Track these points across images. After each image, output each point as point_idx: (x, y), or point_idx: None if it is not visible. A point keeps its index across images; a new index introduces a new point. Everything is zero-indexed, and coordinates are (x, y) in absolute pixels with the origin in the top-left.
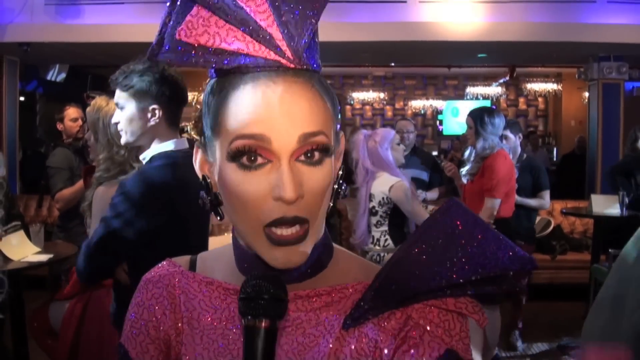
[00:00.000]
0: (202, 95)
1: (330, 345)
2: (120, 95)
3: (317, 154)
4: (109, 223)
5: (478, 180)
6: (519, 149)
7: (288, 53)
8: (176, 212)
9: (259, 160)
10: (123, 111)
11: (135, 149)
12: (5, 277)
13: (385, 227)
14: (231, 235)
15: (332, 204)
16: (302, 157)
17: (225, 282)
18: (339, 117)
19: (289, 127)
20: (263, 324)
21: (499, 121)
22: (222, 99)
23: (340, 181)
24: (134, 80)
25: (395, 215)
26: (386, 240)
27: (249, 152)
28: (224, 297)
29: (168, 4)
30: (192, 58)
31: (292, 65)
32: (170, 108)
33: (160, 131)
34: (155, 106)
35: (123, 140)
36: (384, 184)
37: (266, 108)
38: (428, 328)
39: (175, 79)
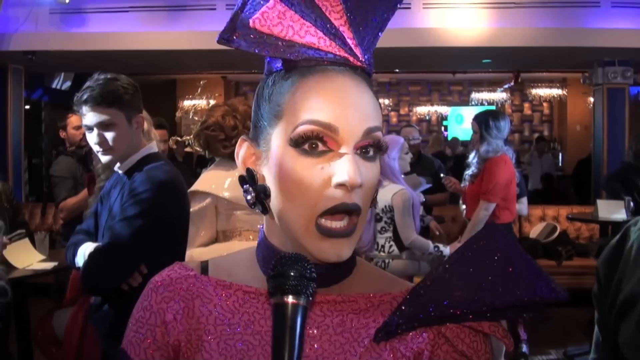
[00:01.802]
0: (204, 101)
1: (359, 356)
2: (104, 112)
3: (371, 150)
4: (135, 221)
5: (478, 183)
6: None
7: (357, 52)
8: (184, 208)
9: (321, 147)
10: (115, 128)
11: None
12: (8, 285)
13: (389, 234)
14: (236, 242)
15: None
16: (359, 151)
17: (246, 285)
18: None
19: (357, 120)
20: (291, 300)
21: (504, 124)
22: (287, 87)
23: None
24: (120, 92)
25: None
26: (391, 246)
27: (313, 139)
28: (243, 301)
29: None
30: (263, 46)
31: (358, 64)
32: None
33: (140, 137)
34: (140, 114)
35: (106, 159)
36: (388, 192)
37: (337, 99)
38: (459, 348)
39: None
